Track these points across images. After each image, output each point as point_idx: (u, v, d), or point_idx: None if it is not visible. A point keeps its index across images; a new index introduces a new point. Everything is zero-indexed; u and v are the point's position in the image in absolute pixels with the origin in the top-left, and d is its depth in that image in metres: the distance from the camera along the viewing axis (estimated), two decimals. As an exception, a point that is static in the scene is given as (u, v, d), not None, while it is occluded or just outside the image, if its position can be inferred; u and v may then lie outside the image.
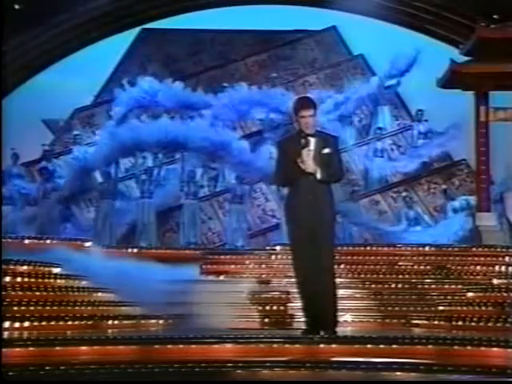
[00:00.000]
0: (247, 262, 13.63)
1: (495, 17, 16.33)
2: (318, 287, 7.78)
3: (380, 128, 20.60)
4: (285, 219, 8.14)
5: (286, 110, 18.22)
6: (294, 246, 8.00)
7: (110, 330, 8.92)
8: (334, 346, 7.00)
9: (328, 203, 7.91)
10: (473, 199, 17.50)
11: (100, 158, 17.57)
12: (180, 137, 17.57)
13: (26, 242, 13.79)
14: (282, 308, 11.78)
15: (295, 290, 10.37)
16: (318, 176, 7.75)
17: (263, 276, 13.12)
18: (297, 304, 11.02)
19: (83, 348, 6.73)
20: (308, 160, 7.73)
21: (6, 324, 8.07)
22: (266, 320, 11.48)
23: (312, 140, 7.80)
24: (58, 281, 9.92)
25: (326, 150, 7.81)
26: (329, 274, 7.89)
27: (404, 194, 19.04)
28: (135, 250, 14.64)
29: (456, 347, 6.94)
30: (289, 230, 8.07)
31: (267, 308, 11.74)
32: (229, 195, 18.27)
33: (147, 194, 18.24)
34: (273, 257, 13.68)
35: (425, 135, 20.30)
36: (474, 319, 9.46)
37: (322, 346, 7.01)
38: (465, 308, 10.13)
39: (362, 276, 13.04)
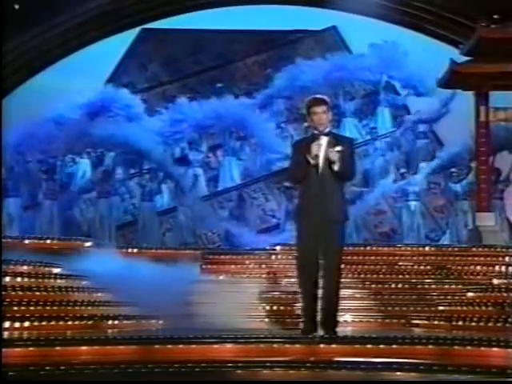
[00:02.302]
0: (247, 261, 13.63)
1: (495, 17, 16.31)
2: (323, 288, 7.78)
3: (374, 128, 20.62)
4: (294, 217, 8.10)
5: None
6: (301, 245, 7.97)
7: (110, 330, 8.92)
8: (334, 346, 7.00)
9: (338, 201, 7.87)
10: None
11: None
12: None
13: (27, 242, 13.78)
14: (282, 308, 11.77)
15: (296, 290, 10.40)
16: (329, 164, 7.67)
17: (263, 276, 13.11)
18: (297, 304, 11.05)
19: (83, 348, 6.73)
20: (318, 156, 7.71)
21: (7, 324, 8.08)
22: (266, 320, 11.48)
23: (324, 138, 7.79)
24: (58, 281, 9.92)
25: (338, 148, 7.77)
26: (334, 275, 7.87)
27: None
28: (135, 250, 14.63)
29: (456, 347, 6.93)
30: (296, 228, 8.05)
31: (267, 308, 11.74)
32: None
33: (147, 197, 18.37)
34: (273, 257, 13.68)
35: (424, 134, 20.29)
36: (474, 319, 9.47)
37: (322, 345, 7.00)
38: (465, 308, 10.13)
39: (362, 276, 13.03)
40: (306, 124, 19.61)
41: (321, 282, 7.84)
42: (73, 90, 19.43)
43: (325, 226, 7.73)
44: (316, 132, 7.86)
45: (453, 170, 19.01)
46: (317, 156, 7.69)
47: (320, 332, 7.65)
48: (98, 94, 19.98)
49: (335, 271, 7.89)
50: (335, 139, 7.87)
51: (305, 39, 22.36)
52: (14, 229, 17.24)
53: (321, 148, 7.73)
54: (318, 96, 8.15)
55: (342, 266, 13.02)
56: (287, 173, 8.25)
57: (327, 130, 7.89)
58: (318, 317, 7.82)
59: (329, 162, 7.70)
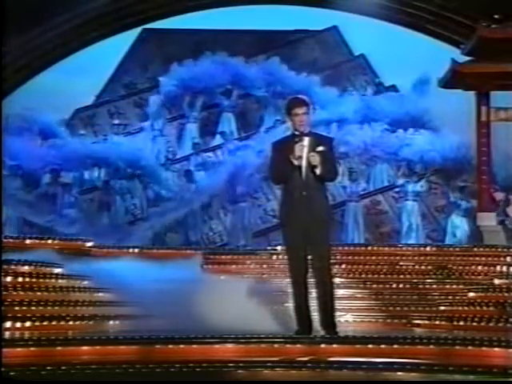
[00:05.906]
0: (248, 261, 13.63)
1: (496, 17, 16.33)
2: (317, 288, 7.77)
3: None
4: (279, 218, 8.05)
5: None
6: (289, 246, 7.95)
7: (111, 330, 8.92)
8: (335, 345, 6.99)
9: (323, 201, 7.84)
10: None
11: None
12: None
13: (27, 242, 13.79)
14: (283, 308, 11.76)
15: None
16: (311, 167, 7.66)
17: (264, 276, 13.11)
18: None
19: (84, 348, 6.73)
20: (301, 157, 7.68)
21: (8, 324, 8.09)
22: (267, 320, 11.46)
23: (306, 138, 7.72)
24: (59, 281, 9.93)
25: (320, 148, 7.70)
26: (327, 274, 7.86)
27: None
28: (135, 250, 14.63)
29: (457, 347, 6.93)
30: (283, 229, 8.02)
31: (269, 308, 11.72)
32: None
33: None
34: (274, 257, 13.68)
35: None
36: (476, 319, 9.47)
37: (323, 345, 7.00)
38: (466, 308, 10.14)
39: (363, 276, 13.04)
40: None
41: (314, 283, 7.82)
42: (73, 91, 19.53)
43: (313, 225, 7.70)
44: (297, 133, 7.80)
45: (461, 183, 18.79)
46: (300, 157, 7.66)
47: (320, 332, 7.65)
48: None
49: (327, 270, 7.87)
50: (317, 139, 7.81)
51: (306, 39, 22.39)
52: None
53: (304, 149, 7.68)
54: (299, 97, 8.04)
55: (343, 266, 13.20)
56: (270, 173, 8.11)
57: (307, 130, 7.84)
58: (312, 317, 7.82)
59: (311, 166, 7.67)
